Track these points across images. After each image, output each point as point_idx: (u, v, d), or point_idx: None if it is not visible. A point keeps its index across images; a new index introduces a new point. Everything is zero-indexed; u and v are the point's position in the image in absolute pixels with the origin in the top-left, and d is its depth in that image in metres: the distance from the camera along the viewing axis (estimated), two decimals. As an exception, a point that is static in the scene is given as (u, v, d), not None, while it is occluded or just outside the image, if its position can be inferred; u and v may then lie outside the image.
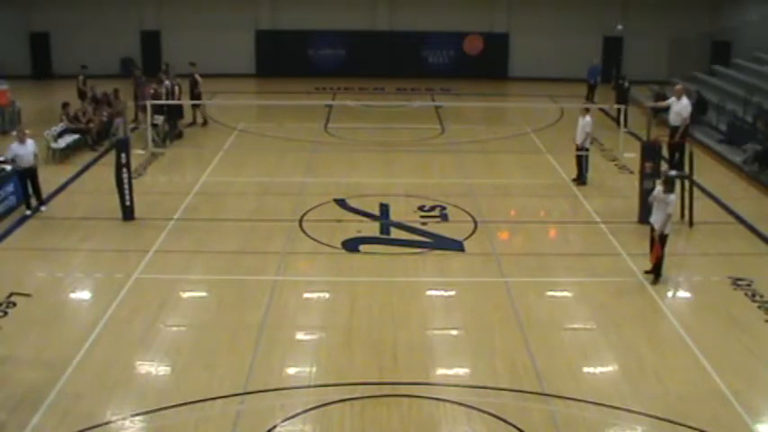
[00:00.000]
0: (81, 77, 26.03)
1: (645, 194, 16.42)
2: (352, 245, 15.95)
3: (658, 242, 14.05)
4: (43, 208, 17.49)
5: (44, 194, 18.22)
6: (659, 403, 10.57)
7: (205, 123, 25.37)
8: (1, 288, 13.61)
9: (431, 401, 10.63)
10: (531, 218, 17.94)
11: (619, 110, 25.37)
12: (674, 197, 14.17)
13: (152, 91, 23.08)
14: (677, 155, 19.28)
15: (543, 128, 26.02)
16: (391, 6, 34.64)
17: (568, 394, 10.78)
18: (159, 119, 22.63)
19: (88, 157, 21.86)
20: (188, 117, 25.17)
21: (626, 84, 26.51)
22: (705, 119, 24.93)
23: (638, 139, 20.49)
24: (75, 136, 22.26)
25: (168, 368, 11.49)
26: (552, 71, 33.89)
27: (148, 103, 19.35)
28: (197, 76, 25.15)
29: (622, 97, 25.67)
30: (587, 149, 19.89)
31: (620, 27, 31.90)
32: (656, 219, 14.16)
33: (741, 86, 25.32)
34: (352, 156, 22.60)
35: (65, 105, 23.00)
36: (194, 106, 25.10)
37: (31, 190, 17.39)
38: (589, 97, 29.77)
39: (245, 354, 11.71)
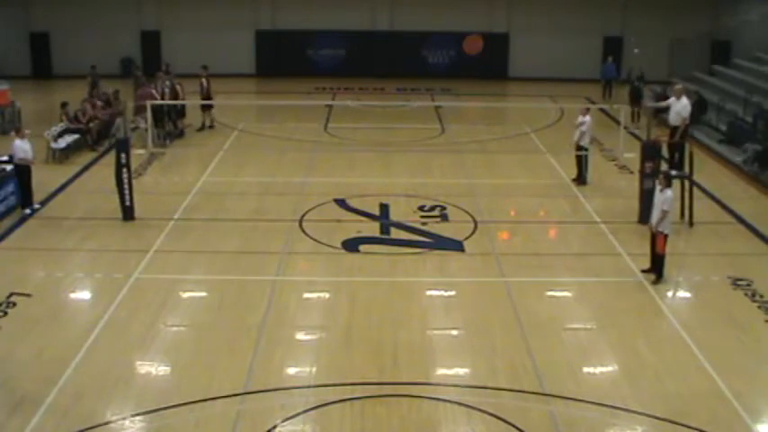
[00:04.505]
0: (89, 78, 25.99)
1: (645, 194, 16.44)
2: (352, 245, 15.95)
3: (658, 241, 14.06)
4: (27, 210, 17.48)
5: (44, 194, 18.29)
6: (659, 403, 10.58)
7: (202, 128, 25.22)
8: (1, 288, 13.61)
9: (431, 401, 10.64)
10: (531, 218, 17.94)
11: (633, 111, 25.59)
12: (670, 194, 14.12)
13: (152, 91, 23.03)
14: (677, 155, 19.26)
15: (543, 128, 26.02)
16: (391, 6, 34.64)
17: (568, 394, 10.78)
18: (141, 121, 22.38)
19: (88, 157, 21.87)
20: (198, 121, 25.19)
21: (638, 83, 26.70)
22: (705, 119, 24.94)
23: (638, 139, 20.49)
24: (76, 136, 22.27)
25: (168, 368, 11.49)
26: (552, 71, 33.90)
27: (148, 103, 19.29)
28: (202, 80, 25.08)
29: (636, 96, 25.93)
30: (587, 149, 19.88)
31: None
32: (653, 216, 14.21)
33: (741, 86, 25.32)
34: (352, 156, 22.60)
35: (64, 105, 23.02)
36: (203, 108, 25.03)
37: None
38: (605, 96, 29.90)
39: (245, 354, 11.71)
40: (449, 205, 18.24)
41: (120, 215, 16.98)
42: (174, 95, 24.04)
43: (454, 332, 12.81)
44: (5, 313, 12.86)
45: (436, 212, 17.86)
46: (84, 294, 13.96)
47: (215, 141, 23.84)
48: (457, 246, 16.03)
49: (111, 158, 18.05)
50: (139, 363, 11.57)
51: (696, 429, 10.01)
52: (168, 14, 34.01)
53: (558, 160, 21.56)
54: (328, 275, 14.75)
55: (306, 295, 13.93)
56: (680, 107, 19.32)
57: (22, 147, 17.34)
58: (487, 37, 34.77)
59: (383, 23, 34.80)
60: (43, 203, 17.94)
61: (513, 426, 10.04)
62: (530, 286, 14.26)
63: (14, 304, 13.16)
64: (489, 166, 22.01)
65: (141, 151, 20.24)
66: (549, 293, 14.15)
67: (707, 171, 20.35)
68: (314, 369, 11.45)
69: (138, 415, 10.23)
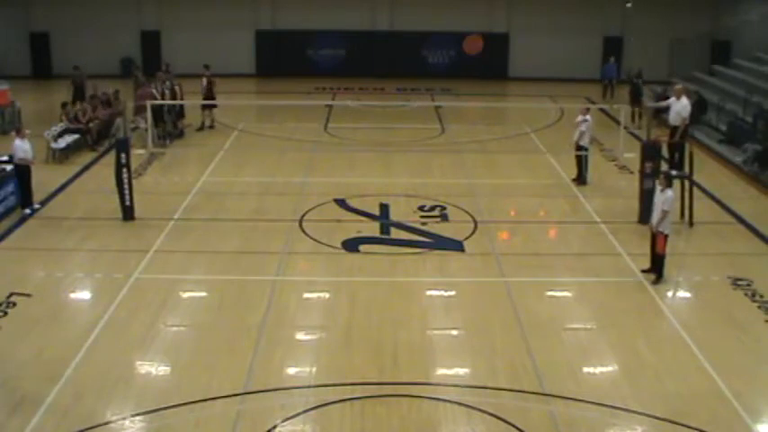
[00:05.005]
0: (71, 80, 25.91)
1: (645, 194, 16.44)
2: (352, 245, 15.95)
3: (658, 241, 14.08)
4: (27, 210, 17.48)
5: (44, 194, 18.30)
6: (659, 403, 10.58)
7: (201, 128, 25.23)
8: (1, 288, 13.61)
9: (431, 401, 10.64)
10: (531, 218, 17.94)
11: (634, 110, 25.65)
12: (670, 194, 14.13)
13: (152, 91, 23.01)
14: (677, 155, 19.28)
15: (543, 128, 26.02)
16: (391, 6, 34.64)
17: (568, 394, 10.78)
18: (141, 121, 22.42)
19: (88, 157, 21.87)
20: (198, 121, 25.24)
21: (637, 80, 26.73)
22: (705, 119, 24.94)
23: (638, 139, 20.48)
24: (76, 136, 22.26)
25: (168, 368, 11.49)
26: (552, 71, 33.90)
27: (148, 103, 19.30)
28: (203, 80, 25.13)
29: (636, 95, 25.98)
30: (587, 149, 19.88)
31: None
32: (653, 216, 14.23)
33: (741, 86, 25.33)
34: (352, 156, 22.60)
35: (64, 105, 23.02)
36: (203, 108, 25.07)
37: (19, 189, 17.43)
38: (605, 96, 29.95)
39: (245, 354, 11.71)
40: (449, 205, 18.24)
41: (120, 215, 16.98)
42: (173, 96, 24.02)
43: (454, 332, 12.81)
44: (5, 313, 12.86)
45: (436, 212, 17.86)
46: (84, 294, 13.96)
47: (215, 141, 23.84)
48: (457, 246, 16.03)
49: (111, 158, 18.05)
50: (139, 363, 11.56)
51: (696, 429, 10.01)
52: (168, 14, 34.01)
53: (558, 160, 21.56)
54: (328, 275, 14.75)
55: (306, 295, 13.93)
56: (680, 107, 19.32)
57: (22, 147, 17.34)
58: (487, 37, 34.77)
59: (383, 23, 34.80)
60: (43, 203, 17.94)
61: (513, 426, 10.04)
62: (530, 286, 14.26)
63: (14, 304, 13.15)
64: (489, 166, 22.01)
65: (141, 151, 20.25)
66: (549, 293, 14.15)
67: (707, 171, 20.36)
68: (314, 369, 11.45)
69: (138, 415, 10.23)
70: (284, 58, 34.45)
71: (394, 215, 17.68)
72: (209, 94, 25.09)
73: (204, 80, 25.16)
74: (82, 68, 27.01)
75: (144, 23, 34.17)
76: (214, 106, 25.14)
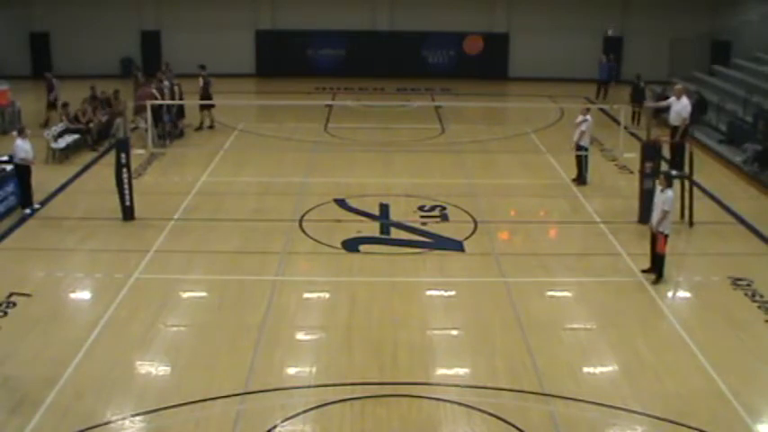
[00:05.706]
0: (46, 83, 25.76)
1: (645, 194, 16.44)
2: (352, 245, 15.95)
3: (659, 241, 14.08)
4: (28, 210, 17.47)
5: (44, 194, 18.30)
6: (659, 403, 10.58)
7: (200, 128, 25.19)
8: (1, 288, 13.61)
9: (431, 401, 10.64)
10: (531, 218, 17.94)
11: (634, 111, 25.66)
12: (670, 194, 14.13)
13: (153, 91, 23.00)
14: (677, 155, 19.26)
15: (543, 128, 26.02)
16: (391, 6, 34.64)
17: (568, 394, 10.78)
18: (141, 121, 22.41)
19: (88, 157, 21.87)
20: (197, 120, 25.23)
21: (641, 83, 26.70)
22: (705, 119, 24.94)
23: (639, 139, 20.49)
24: (76, 136, 22.27)
25: (168, 368, 11.49)
26: (552, 71, 33.91)
27: (148, 103, 19.29)
28: (199, 80, 25.11)
29: (638, 96, 25.99)
30: (587, 149, 19.89)
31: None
32: (653, 216, 14.23)
33: (741, 86, 25.32)
34: (352, 156, 22.60)
35: (65, 105, 23.02)
36: (201, 108, 25.05)
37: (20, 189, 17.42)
38: (598, 95, 29.92)
39: (245, 354, 11.71)
40: (449, 205, 18.24)
41: (120, 215, 16.98)
42: (173, 95, 24.01)
43: (454, 332, 12.81)
44: (5, 313, 12.86)
45: (436, 212, 17.86)
46: (84, 294, 13.96)
47: (215, 141, 23.85)
48: (457, 246, 16.03)
49: (111, 158, 18.05)
50: (139, 363, 11.57)
51: (696, 429, 10.01)
52: (168, 14, 34.01)
53: (557, 160, 21.57)
54: (328, 275, 14.75)
55: (306, 295, 13.94)
56: (680, 107, 19.30)
57: (23, 147, 17.34)
58: (487, 37, 34.78)
59: (383, 23, 34.80)
60: (43, 203, 17.94)
61: (513, 426, 10.04)
62: (530, 286, 14.26)
63: (14, 304, 13.16)
64: (489, 166, 22.01)
65: (141, 151, 20.25)
66: (549, 293, 14.15)
67: (707, 171, 20.36)
68: (314, 369, 11.46)
69: (138, 415, 10.23)
70: (284, 58, 34.45)
71: (394, 215, 17.68)
72: (206, 95, 25.05)
73: (200, 80, 25.12)
74: (87, 68, 26.60)
75: (144, 23, 34.17)
76: (212, 106, 25.13)
